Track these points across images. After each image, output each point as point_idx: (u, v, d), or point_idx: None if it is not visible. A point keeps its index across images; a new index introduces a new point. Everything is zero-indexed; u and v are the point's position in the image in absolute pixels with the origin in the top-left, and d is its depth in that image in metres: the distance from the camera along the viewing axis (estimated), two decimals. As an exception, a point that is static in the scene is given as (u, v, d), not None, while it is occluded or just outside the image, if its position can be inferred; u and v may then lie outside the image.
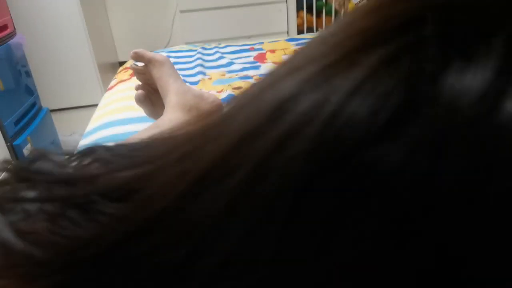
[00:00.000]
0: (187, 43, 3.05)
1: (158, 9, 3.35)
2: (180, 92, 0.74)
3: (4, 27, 1.46)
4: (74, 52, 2.54)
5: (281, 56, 1.43)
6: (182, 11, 2.96)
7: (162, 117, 0.72)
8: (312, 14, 2.99)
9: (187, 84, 0.82)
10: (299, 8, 2.98)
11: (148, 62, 0.80)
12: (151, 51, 0.83)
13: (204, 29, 3.03)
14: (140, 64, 0.83)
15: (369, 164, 0.14)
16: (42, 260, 0.19)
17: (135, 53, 0.83)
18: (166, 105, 0.73)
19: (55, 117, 2.08)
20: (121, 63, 2.19)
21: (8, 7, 1.55)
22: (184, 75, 1.27)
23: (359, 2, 2.70)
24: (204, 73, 1.29)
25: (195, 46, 1.67)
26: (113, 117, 0.98)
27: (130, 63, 1.35)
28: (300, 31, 3.05)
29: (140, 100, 0.81)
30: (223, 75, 1.26)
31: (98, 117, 1.01)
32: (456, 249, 0.14)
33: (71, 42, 2.51)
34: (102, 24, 3.12)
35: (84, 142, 0.90)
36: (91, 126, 0.96)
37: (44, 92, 2.10)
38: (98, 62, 2.66)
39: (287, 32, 3.15)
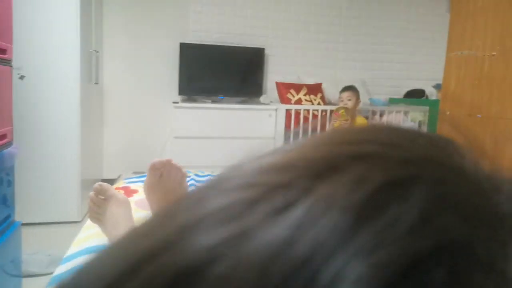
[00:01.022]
0: (176, 167, 3.12)
1: (153, 133, 3.51)
2: None
3: (3, 136, 1.47)
4: (62, 165, 2.52)
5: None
6: (176, 137, 3.11)
7: None
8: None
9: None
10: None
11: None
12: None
13: (196, 156, 3.14)
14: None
15: None
16: None
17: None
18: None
19: (24, 231, 1.94)
20: (104, 181, 2.16)
21: (12, 117, 1.59)
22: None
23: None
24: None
25: (189, 172, 1.68)
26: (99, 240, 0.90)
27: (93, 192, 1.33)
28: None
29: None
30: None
31: (80, 240, 0.94)
32: None
33: (62, 155, 2.51)
34: (96, 139, 3.20)
35: (64, 268, 0.80)
36: (73, 249, 0.88)
37: (21, 203, 2.00)
38: (82, 177, 2.63)
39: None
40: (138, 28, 3.37)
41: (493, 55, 2.34)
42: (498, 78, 2.30)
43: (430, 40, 3.99)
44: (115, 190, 0.80)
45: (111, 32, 3.31)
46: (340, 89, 3.54)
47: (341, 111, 2.69)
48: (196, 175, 1.64)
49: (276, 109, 3.26)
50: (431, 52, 4.00)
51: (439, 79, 3.05)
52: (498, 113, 2.30)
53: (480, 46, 2.45)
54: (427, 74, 4.02)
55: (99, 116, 3.27)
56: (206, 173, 1.68)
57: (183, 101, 3.34)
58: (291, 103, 3.27)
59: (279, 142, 3.22)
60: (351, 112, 2.74)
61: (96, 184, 0.81)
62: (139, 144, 3.49)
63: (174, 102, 3.14)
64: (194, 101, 3.39)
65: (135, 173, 3.38)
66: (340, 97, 2.92)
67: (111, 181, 1.98)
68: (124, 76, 3.40)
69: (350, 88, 2.89)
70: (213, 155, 3.17)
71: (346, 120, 2.68)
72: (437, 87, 3.69)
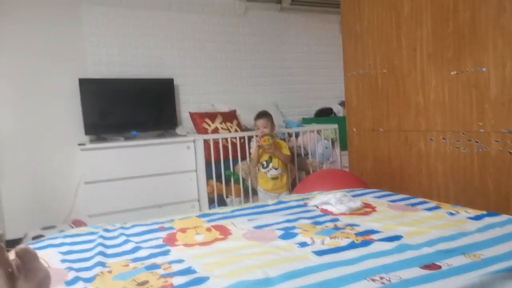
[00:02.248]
0: (90, 216, 2.84)
1: (60, 181, 3.16)
2: None
3: None
4: None
5: (193, 236, 1.36)
6: (87, 183, 2.84)
7: None
8: (221, 182, 3.12)
9: None
10: (209, 177, 3.11)
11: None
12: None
13: (111, 200, 2.89)
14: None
15: None
16: None
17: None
18: None
19: None
20: (8, 242, 1.87)
21: None
22: (78, 269, 1.09)
23: (267, 171, 2.93)
24: (103, 264, 1.13)
25: (97, 228, 1.52)
26: None
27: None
28: (210, 199, 3.10)
29: None
30: (127, 265, 1.11)
31: None
32: None
33: None
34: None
35: None
36: None
37: None
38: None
39: (198, 200, 3.17)
40: (28, 66, 3.06)
41: (384, 73, 2.57)
42: (392, 94, 2.52)
43: (328, 61, 4.29)
44: (39, 263, 0.63)
45: (-2, 74, 2.96)
46: (255, 114, 3.59)
47: (266, 137, 2.79)
48: (106, 230, 1.49)
49: (194, 140, 3.18)
50: (331, 72, 4.30)
51: (343, 96, 3.27)
52: (396, 126, 2.51)
53: (371, 65, 2.68)
54: (332, 93, 4.30)
55: (-10, 169, 2.86)
56: (117, 226, 1.53)
57: (92, 141, 3.09)
58: (208, 133, 3.22)
59: (202, 174, 3.13)
60: (274, 138, 2.87)
61: (19, 248, 0.62)
62: (46, 196, 3.12)
63: (80, 144, 2.88)
64: (104, 140, 3.15)
65: (44, 228, 3.00)
66: (256, 125, 2.95)
67: (15, 242, 1.71)
68: (17, 122, 3.04)
69: (264, 115, 2.95)
70: (133, 197, 2.96)
71: (270, 145, 2.80)
72: (342, 104, 3.96)
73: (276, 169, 2.92)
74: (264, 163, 2.93)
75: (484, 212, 1.44)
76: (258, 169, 3.00)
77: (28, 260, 0.69)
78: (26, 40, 3.05)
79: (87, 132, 3.11)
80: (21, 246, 0.74)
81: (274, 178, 2.93)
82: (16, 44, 3.02)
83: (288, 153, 2.95)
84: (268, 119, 2.93)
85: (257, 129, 2.92)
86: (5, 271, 0.68)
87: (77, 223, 3.08)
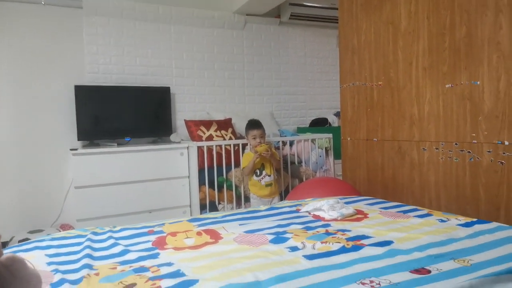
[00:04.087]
0: (78, 220, 2.81)
1: (50, 185, 3.13)
2: None
3: None
4: None
5: (183, 239, 1.35)
6: (77, 187, 2.81)
7: None
8: (214, 189, 3.10)
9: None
10: (201, 183, 3.09)
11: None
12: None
13: (101, 205, 2.86)
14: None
15: None
16: None
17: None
18: None
19: None
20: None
21: None
22: (64, 272, 1.07)
23: (261, 179, 2.93)
24: (90, 267, 1.11)
25: (85, 231, 1.50)
26: None
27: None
28: (202, 205, 3.08)
29: None
30: (114, 268, 1.10)
31: None
32: None
33: None
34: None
35: None
36: None
37: None
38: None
39: (190, 206, 3.15)
40: (26, 72, 3.06)
41: (380, 85, 2.60)
42: (387, 105, 2.54)
43: (325, 73, 4.34)
44: (31, 268, 0.60)
45: (-8, 77, 2.95)
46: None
47: (265, 146, 2.85)
48: (94, 233, 1.47)
49: (187, 147, 3.17)
50: (327, 84, 4.34)
51: (338, 107, 3.29)
52: (390, 136, 2.53)
53: (367, 77, 2.70)
54: (328, 104, 4.34)
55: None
56: (106, 229, 1.51)
57: (84, 146, 3.07)
58: (202, 140, 3.21)
59: (194, 180, 3.11)
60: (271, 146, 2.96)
61: (5, 257, 0.59)
62: (35, 200, 3.08)
63: (72, 149, 2.86)
64: (97, 145, 3.13)
65: (31, 232, 2.96)
66: (252, 135, 2.91)
67: (2, 245, 1.68)
68: (12, 126, 3.02)
69: (260, 125, 2.95)
70: (123, 202, 2.93)
71: (267, 151, 2.84)
72: (337, 114, 3.98)
73: (269, 175, 2.92)
74: (257, 171, 2.93)
75: (475, 220, 1.45)
76: (249, 178, 2.99)
77: (18, 268, 0.66)
78: (25, 46, 3.05)
79: (80, 137, 3.09)
80: (7, 255, 0.72)
81: (269, 185, 2.93)
82: (15, 49, 3.02)
83: (279, 157, 3.00)
84: (263, 129, 2.95)
85: (253, 139, 2.91)
86: None
87: (65, 228, 3.04)
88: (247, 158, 2.92)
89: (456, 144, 2.09)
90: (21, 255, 1.22)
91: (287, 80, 4.14)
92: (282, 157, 3.33)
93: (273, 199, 2.96)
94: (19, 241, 2.59)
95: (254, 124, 2.95)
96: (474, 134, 1.99)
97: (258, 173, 2.93)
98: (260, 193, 2.93)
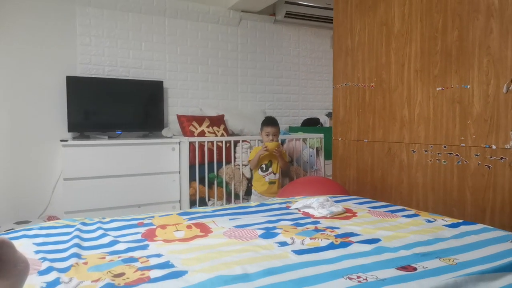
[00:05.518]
0: (66, 213, 2.78)
1: (38, 176, 3.10)
2: None
3: None
4: None
5: (173, 232, 1.35)
6: (66, 179, 2.79)
7: None
8: (204, 185, 3.10)
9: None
10: (192, 179, 3.08)
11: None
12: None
13: (90, 198, 2.84)
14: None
15: None
16: None
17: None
18: None
19: None
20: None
21: None
22: (52, 260, 1.06)
23: (266, 174, 2.94)
24: (79, 256, 1.10)
25: (74, 221, 1.49)
26: None
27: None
28: (192, 201, 3.07)
29: None
30: (103, 258, 1.09)
31: None
32: None
33: None
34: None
35: None
36: None
37: None
38: None
39: (179, 201, 3.14)
40: (17, 62, 3.01)
41: (372, 86, 2.62)
42: (378, 107, 2.57)
43: (318, 73, 4.36)
44: (19, 254, 0.60)
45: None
46: (242, 120, 3.59)
47: (276, 143, 2.88)
48: (83, 223, 1.46)
49: (179, 142, 3.16)
50: (320, 84, 4.37)
51: (330, 107, 3.31)
52: (381, 137, 2.56)
53: (360, 78, 2.73)
54: (320, 104, 4.37)
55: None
56: (95, 220, 1.50)
57: (75, 138, 3.04)
58: (194, 136, 3.21)
59: (185, 176, 3.11)
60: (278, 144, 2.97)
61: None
62: (23, 191, 3.04)
63: (62, 140, 2.82)
64: (88, 137, 3.11)
65: (17, 223, 2.92)
66: (266, 131, 2.92)
67: None
68: (1, 116, 2.98)
69: (275, 123, 2.95)
70: (112, 195, 2.91)
71: (278, 147, 2.89)
72: (329, 115, 4.01)
73: (274, 174, 2.95)
74: (264, 166, 2.94)
75: (461, 221, 1.48)
76: (254, 172, 3.00)
77: (6, 252, 0.65)
78: (16, 36, 3.00)
79: (70, 129, 3.06)
80: None
81: (272, 183, 2.95)
82: (5, 38, 2.97)
83: (288, 159, 2.99)
84: (278, 128, 2.96)
85: (266, 135, 2.91)
86: None
87: (52, 220, 3.00)
88: (255, 151, 2.95)
89: (445, 147, 2.12)
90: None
91: (280, 79, 4.15)
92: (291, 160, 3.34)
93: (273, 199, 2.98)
94: (5, 231, 2.55)
95: (270, 121, 2.97)
96: (462, 138, 2.02)
97: (264, 168, 2.94)
98: (262, 189, 2.94)
